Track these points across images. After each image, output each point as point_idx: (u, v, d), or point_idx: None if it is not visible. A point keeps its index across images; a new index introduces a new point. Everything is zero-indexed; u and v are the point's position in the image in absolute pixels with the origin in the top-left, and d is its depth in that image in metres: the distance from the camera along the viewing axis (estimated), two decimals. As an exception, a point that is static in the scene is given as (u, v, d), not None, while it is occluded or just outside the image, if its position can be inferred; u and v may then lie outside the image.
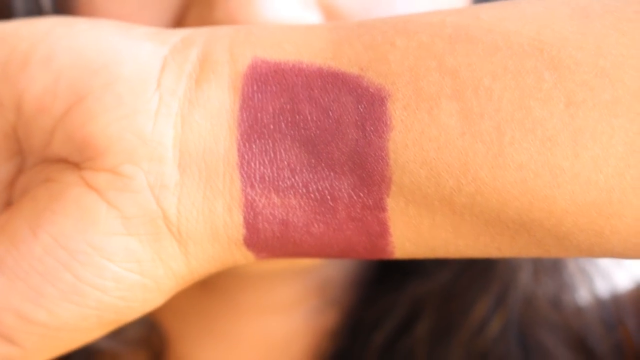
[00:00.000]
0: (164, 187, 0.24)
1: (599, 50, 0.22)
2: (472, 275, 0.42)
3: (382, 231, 0.25)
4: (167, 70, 0.25)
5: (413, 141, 0.23)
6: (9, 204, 0.27)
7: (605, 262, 0.46)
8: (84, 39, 0.25)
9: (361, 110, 0.23)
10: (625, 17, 0.23)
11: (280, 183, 0.24)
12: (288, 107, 0.24)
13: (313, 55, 0.24)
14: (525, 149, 0.22)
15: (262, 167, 0.24)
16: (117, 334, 0.43)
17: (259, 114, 0.24)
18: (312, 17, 0.33)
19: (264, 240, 0.25)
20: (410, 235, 0.25)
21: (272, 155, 0.24)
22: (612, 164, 0.22)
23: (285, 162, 0.24)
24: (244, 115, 0.24)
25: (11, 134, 0.26)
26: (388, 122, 0.23)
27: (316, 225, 0.25)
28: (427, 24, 0.24)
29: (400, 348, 0.43)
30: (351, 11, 0.34)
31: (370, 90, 0.23)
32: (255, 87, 0.24)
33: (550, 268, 0.44)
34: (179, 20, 0.34)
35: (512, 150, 0.23)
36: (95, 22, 0.26)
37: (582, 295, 0.45)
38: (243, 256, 0.26)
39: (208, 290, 0.44)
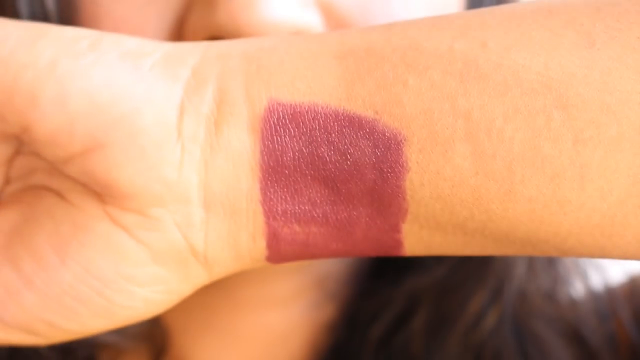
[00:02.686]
0: (190, 225, 0.25)
1: (605, 85, 0.23)
2: (469, 270, 0.43)
3: (396, 246, 0.26)
4: (186, 115, 0.25)
5: (429, 181, 0.24)
6: (7, 181, 0.28)
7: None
8: (95, 81, 0.24)
9: (378, 153, 0.24)
10: (630, 45, 0.23)
11: (302, 215, 0.25)
12: (307, 150, 0.25)
13: (327, 95, 0.24)
14: (534, 185, 0.23)
15: (283, 203, 0.25)
16: (120, 329, 0.44)
17: (279, 156, 0.25)
18: (311, 16, 0.33)
19: (285, 256, 0.26)
20: (422, 249, 0.26)
21: (293, 191, 0.25)
22: (615, 194, 0.23)
23: (306, 198, 0.25)
24: (265, 158, 0.25)
25: (11, 135, 0.26)
26: (404, 165, 0.24)
27: (334, 245, 0.26)
28: (436, 57, 0.24)
29: (397, 341, 0.43)
30: (349, 11, 0.34)
31: (386, 134, 0.24)
32: (273, 131, 0.25)
33: (545, 262, 0.45)
34: (181, 21, 0.34)
35: (522, 187, 0.23)
36: (100, 52, 0.25)
37: (577, 288, 0.46)
38: (262, 265, 0.27)
39: (208, 285, 0.45)
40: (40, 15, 0.37)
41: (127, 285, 0.26)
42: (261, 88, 0.25)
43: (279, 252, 0.26)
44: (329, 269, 0.45)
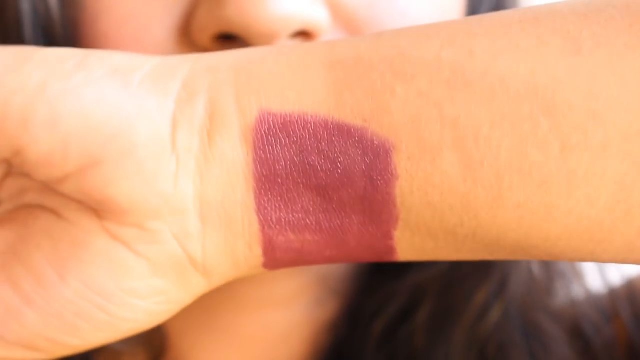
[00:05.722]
0: (188, 236, 0.25)
1: (591, 92, 0.23)
2: (473, 264, 0.43)
3: (389, 252, 0.26)
4: (179, 128, 0.25)
5: (418, 188, 0.24)
6: None
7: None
8: (86, 100, 0.24)
9: (368, 161, 0.24)
10: (616, 52, 0.23)
11: (296, 224, 0.25)
12: (298, 159, 0.25)
13: (316, 104, 0.25)
14: (522, 191, 0.24)
15: (278, 211, 0.25)
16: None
17: (272, 166, 0.25)
18: (320, 13, 0.34)
19: (281, 263, 0.27)
20: (415, 254, 0.26)
21: (286, 200, 0.25)
22: (602, 200, 0.23)
23: (299, 206, 0.25)
24: (258, 167, 0.25)
25: (1, 159, 0.25)
26: (394, 172, 0.24)
27: (328, 251, 0.26)
28: (424, 65, 0.24)
29: (400, 336, 0.43)
30: (357, 7, 0.35)
31: (375, 142, 0.24)
32: (265, 140, 0.25)
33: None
34: (188, 17, 0.35)
35: (510, 193, 0.24)
36: (87, 71, 0.25)
37: (576, 288, 0.46)
38: (259, 272, 0.28)
39: (208, 286, 0.44)
40: (42, 12, 0.37)
41: (129, 299, 0.26)
42: (252, 98, 0.25)
43: (275, 259, 0.26)
44: (332, 267, 0.45)
